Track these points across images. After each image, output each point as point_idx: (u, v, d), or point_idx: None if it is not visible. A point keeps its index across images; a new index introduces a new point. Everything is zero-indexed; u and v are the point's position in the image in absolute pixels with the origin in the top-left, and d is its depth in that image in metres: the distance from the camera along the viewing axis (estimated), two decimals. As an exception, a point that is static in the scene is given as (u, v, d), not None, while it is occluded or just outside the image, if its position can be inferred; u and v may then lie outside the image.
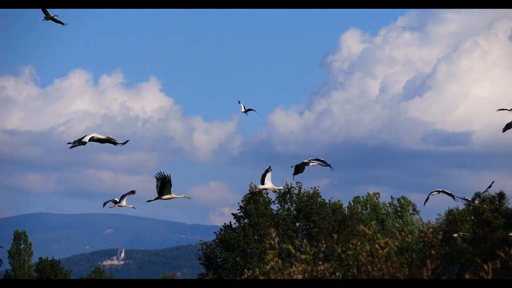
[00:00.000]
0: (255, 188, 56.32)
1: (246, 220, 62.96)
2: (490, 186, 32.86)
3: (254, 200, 61.91)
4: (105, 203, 35.28)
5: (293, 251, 11.86)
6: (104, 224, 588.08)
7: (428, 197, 35.47)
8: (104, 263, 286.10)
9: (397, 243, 11.94)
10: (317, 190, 62.65)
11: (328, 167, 30.35)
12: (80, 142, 27.22)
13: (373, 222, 12.23)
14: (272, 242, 11.70)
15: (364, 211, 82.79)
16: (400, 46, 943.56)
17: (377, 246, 11.56)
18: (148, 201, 29.64)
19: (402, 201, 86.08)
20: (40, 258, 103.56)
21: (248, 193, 61.85)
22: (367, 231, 12.04)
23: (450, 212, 61.00)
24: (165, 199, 29.16)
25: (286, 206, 63.39)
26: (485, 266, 11.11)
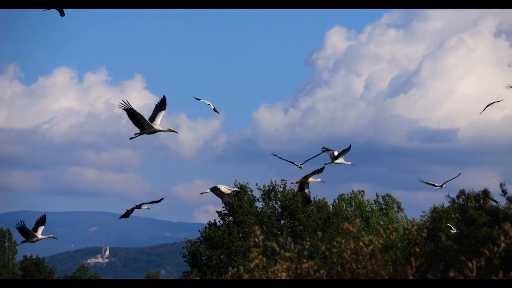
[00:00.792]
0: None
1: (230, 218, 62.97)
2: (455, 177, 35.58)
3: (238, 198, 61.88)
4: (132, 209, 33.41)
5: (277, 249, 11.82)
6: (89, 222, 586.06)
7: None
8: (89, 261, 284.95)
9: (381, 241, 11.92)
10: (302, 187, 62.71)
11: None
12: (140, 134, 26.07)
13: (357, 220, 12.20)
14: (257, 240, 11.65)
15: (349, 209, 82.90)
16: (385, 43, 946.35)
17: (361, 243, 11.54)
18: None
19: (387, 198, 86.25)
20: (25, 256, 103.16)
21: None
22: (351, 228, 12.02)
23: (434, 210, 61.16)
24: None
25: (271, 204, 63.44)
26: (470, 264, 11.11)
